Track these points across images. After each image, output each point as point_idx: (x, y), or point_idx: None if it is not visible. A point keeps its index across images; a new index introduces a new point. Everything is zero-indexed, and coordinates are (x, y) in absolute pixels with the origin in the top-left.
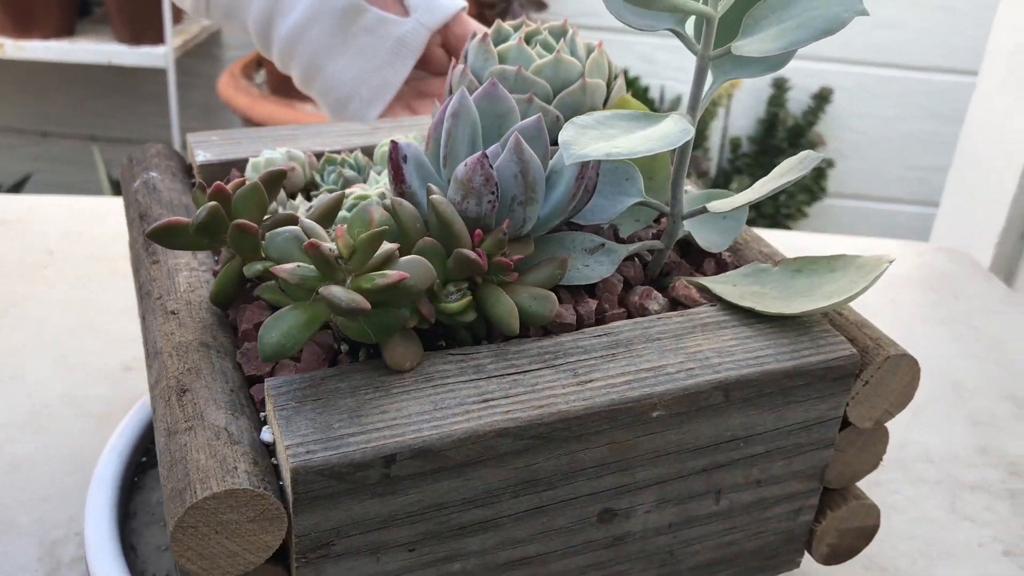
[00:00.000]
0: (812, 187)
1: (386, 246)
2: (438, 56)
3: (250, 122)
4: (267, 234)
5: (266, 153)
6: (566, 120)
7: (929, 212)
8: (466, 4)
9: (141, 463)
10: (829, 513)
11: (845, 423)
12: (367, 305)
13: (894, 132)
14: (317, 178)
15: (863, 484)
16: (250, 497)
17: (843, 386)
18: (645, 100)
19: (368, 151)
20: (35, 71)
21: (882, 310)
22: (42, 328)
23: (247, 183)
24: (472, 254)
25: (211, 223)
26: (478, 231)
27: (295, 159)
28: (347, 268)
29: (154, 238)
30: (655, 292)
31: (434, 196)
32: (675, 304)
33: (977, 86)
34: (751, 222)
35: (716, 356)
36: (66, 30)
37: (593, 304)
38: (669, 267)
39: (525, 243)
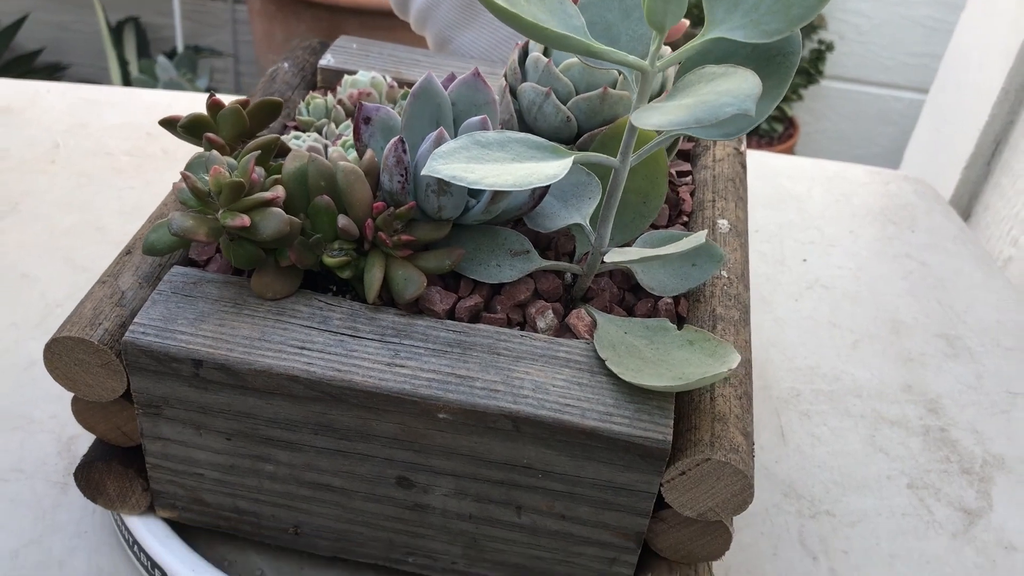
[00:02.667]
0: (809, 70)
1: (261, 196)
2: None
3: None
4: (194, 155)
5: (360, 75)
6: (578, 124)
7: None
8: None
9: None
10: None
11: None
12: (199, 238)
13: (897, 17)
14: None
15: (793, 413)
16: (96, 349)
17: (653, 466)
18: None
19: None
20: None
21: (840, 241)
22: (48, 226)
23: (231, 106)
24: (346, 220)
25: (192, 127)
26: (379, 204)
27: (376, 86)
28: (218, 203)
29: (163, 125)
30: (550, 311)
31: (343, 163)
32: (567, 329)
33: (965, 9)
34: None
35: (530, 389)
36: None
37: (479, 301)
38: (595, 293)
39: (439, 227)
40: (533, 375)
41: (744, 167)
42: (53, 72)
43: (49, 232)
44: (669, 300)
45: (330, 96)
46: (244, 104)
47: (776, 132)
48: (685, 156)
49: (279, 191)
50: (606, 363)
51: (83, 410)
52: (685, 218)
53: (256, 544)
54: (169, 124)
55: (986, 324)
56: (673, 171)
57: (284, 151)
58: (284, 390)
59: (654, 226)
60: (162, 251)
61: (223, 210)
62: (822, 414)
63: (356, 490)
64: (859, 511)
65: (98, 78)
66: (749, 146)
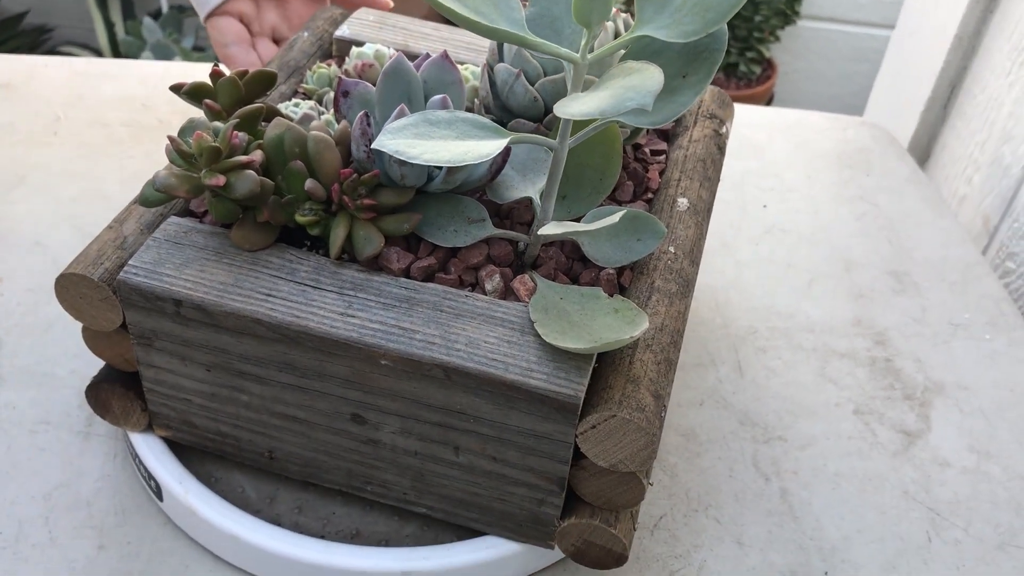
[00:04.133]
0: (786, 10)
1: (238, 159)
2: None
3: None
4: (187, 120)
5: (365, 47)
6: (544, 103)
7: None
8: None
9: None
10: (574, 518)
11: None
12: (179, 194)
13: None
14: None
15: (750, 349)
16: (96, 285)
17: (567, 419)
18: None
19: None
20: None
21: (799, 186)
22: (55, 196)
23: (228, 76)
24: (312, 183)
25: (195, 93)
26: (347, 170)
27: (379, 58)
28: (200, 164)
29: (172, 90)
30: (498, 275)
31: (314, 132)
32: (511, 292)
33: None
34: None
35: (464, 344)
36: None
37: (433, 263)
38: (543, 260)
39: (402, 193)
40: (469, 331)
41: (721, 149)
42: (40, 35)
43: (56, 201)
44: (611, 271)
45: (334, 66)
46: (241, 75)
47: (755, 74)
48: (665, 136)
49: (256, 155)
50: (534, 325)
51: (91, 338)
52: (650, 195)
53: (240, 465)
54: (176, 89)
55: (932, 260)
56: (648, 150)
57: (272, 117)
58: (250, 331)
59: (617, 201)
60: (153, 203)
61: (205, 170)
62: (777, 349)
63: (318, 423)
64: (808, 436)
65: (85, 40)
66: (729, 90)
